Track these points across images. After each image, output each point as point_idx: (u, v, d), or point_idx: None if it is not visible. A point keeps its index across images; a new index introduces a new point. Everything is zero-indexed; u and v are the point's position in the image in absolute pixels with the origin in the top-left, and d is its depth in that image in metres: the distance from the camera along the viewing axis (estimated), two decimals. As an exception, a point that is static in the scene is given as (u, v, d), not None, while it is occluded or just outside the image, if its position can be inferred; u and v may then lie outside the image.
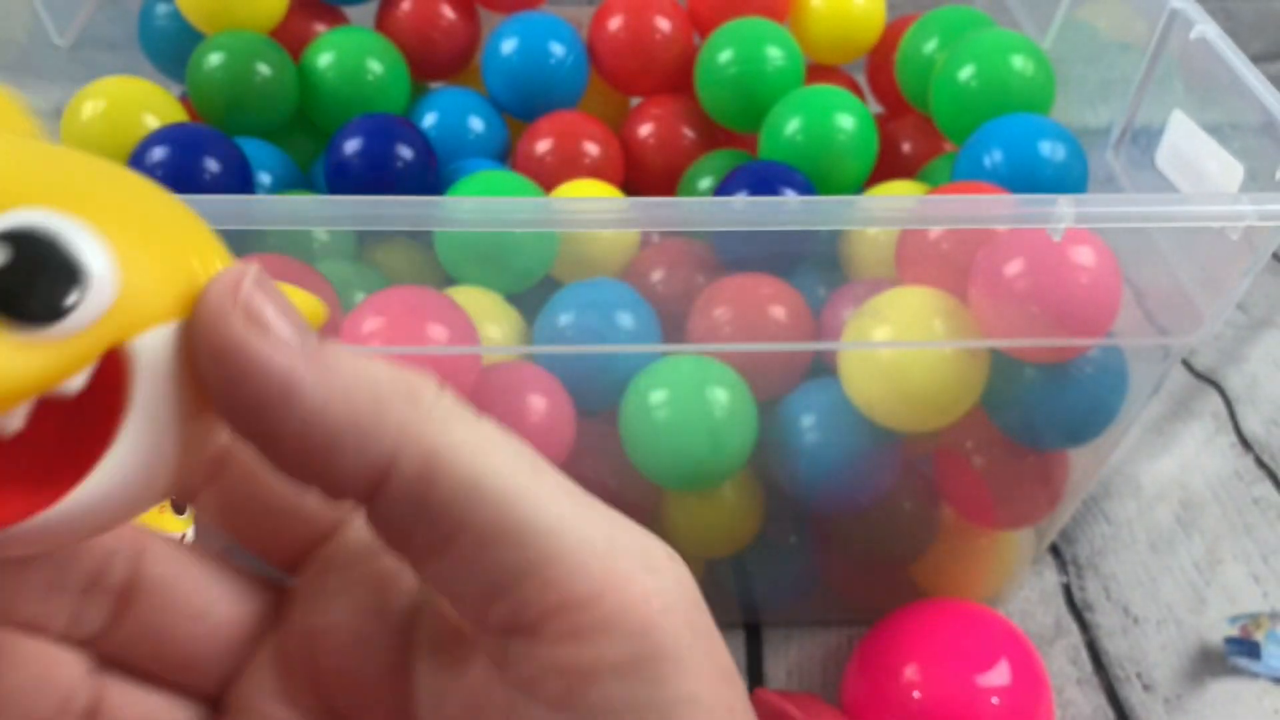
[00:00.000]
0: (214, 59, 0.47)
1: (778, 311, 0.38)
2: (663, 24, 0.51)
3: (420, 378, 0.15)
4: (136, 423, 0.14)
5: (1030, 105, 0.44)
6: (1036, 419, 0.39)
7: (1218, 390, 0.61)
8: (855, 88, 0.55)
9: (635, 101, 0.55)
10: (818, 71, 0.54)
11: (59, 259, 0.13)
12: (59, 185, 0.13)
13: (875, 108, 0.56)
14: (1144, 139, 0.43)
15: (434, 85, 0.55)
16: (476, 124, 0.51)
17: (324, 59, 0.49)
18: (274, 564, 0.18)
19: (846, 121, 0.45)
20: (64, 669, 0.16)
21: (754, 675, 0.48)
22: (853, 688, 0.43)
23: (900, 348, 0.36)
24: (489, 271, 0.40)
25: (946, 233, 0.37)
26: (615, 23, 0.51)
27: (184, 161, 0.42)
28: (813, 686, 0.47)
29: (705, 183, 0.49)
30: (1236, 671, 0.48)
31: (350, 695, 0.17)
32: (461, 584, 0.15)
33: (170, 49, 0.52)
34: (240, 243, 0.33)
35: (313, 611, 0.17)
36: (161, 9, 0.52)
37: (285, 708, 0.17)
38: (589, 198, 0.45)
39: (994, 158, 0.42)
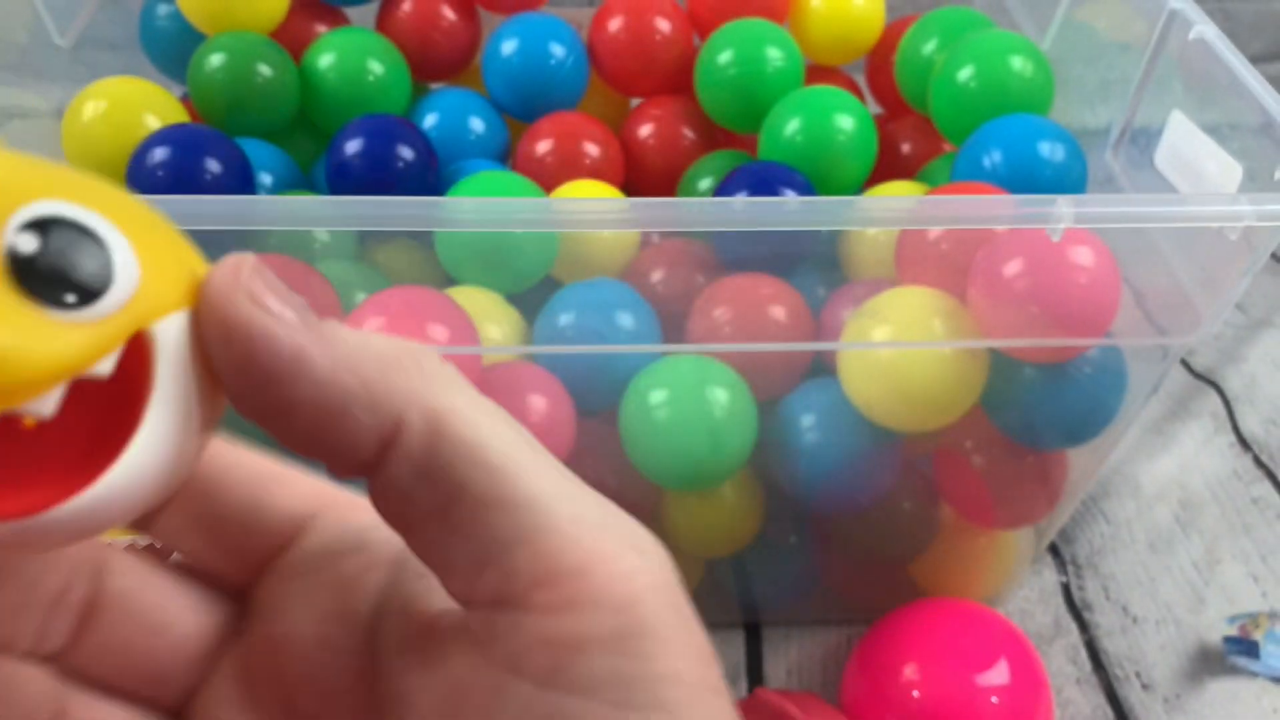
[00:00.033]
0: (215, 60, 0.47)
1: (777, 311, 0.38)
2: (663, 25, 0.51)
3: (422, 347, 0.16)
4: (161, 404, 0.14)
5: (1029, 106, 0.44)
6: (1036, 419, 0.39)
7: (1216, 390, 0.62)
8: (855, 88, 0.55)
9: (635, 102, 0.55)
10: (817, 72, 0.55)
11: (89, 244, 0.14)
12: (69, 183, 0.14)
13: (875, 108, 0.56)
14: (1143, 139, 0.43)
15: (435, 86, 0.56)
16: (477, 125, 0.51)
17: (325, 60, 0.50)
18: (233, 579, 0.18)
19: (846, 122, 0.45)
20: (28, 686, 0.16)
21: (754, 674, 0.48)
22: (852, 687, 0.43)
23: (900, 348, 0.36)
24: (489, 271, 0.40)
25: (946, 233, 0.37)
26: (615, 24, 0.51)
27: (185, 162, 0.42)
28: (812, 686, 0.47)
29: (705, 183, 0.50)
30: (1235, 671, 0.48)
31: (316, 701, 0.17)
32: (455, 551, 0.15)
33: (171, 50, 0.52)
34: (241, 243, 0.33)
35: (275, 619, 0.17)
36: (162, 9, 0.52)
37: (249, 718, 0.17)
38: (589, 198, 0.45)
39: (993, 158, 0.42)
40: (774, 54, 0.48)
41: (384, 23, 0.53)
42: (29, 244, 0.13)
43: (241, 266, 0.15)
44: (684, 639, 0.15)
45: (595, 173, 0.49)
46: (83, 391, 0.14)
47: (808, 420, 0.40)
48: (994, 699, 0.40)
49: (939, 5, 0.51)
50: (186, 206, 0.30)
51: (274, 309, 0.14)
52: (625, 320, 0.37)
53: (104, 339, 0.14)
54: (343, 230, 0.39)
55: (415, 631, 0.17)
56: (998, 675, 0.41)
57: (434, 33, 0.53)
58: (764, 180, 0.44)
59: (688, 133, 0.52)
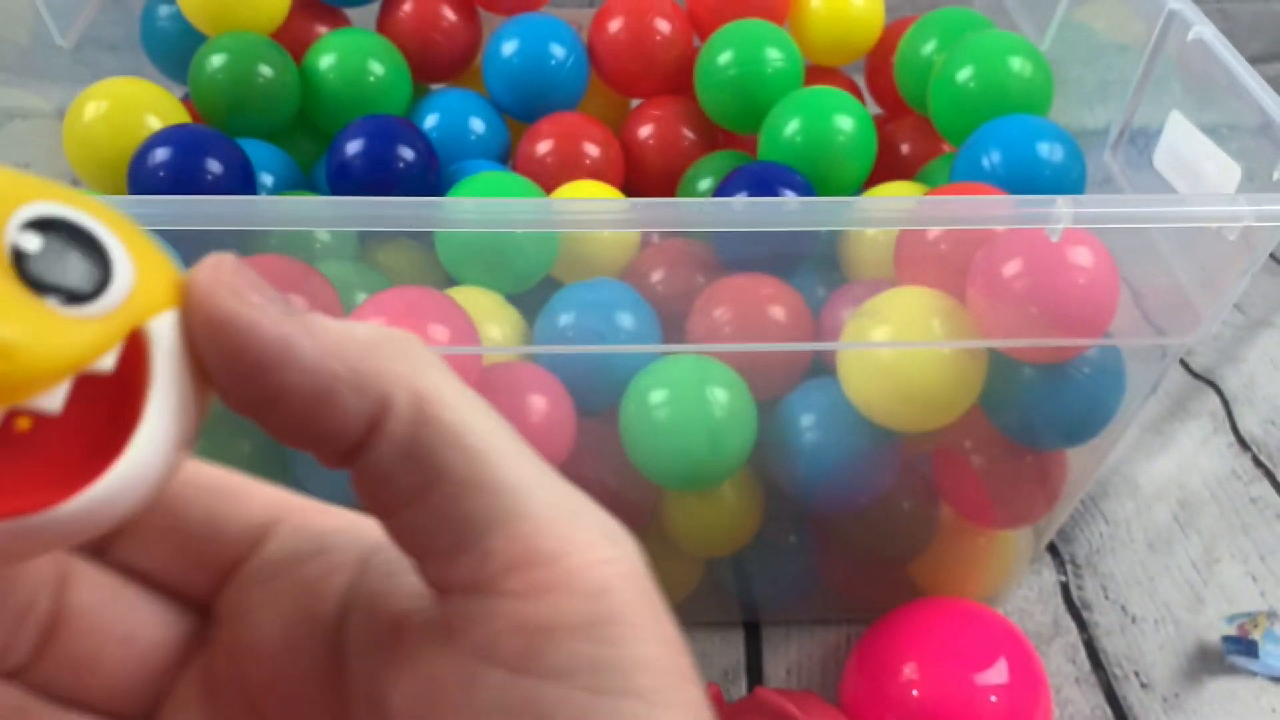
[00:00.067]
0: (216, 60, 0.47)
1: (777, 312, 0.38)
2: (662, 26, 0.51)
3: (406, 334, 0.16)
4: (159, 400, 0.14)
5: (1028, 106, 0.44)
6: (1034, 419, 0.39)
7: (1215, 390, 0.62)
8: (854, 89, 0.55)
9: (635, 103, 0.55)
10: (817, 73, 0.55)
11: (88, 243, 0.14)
12: (54, 190, 0.14)
13: (874, 109, 0.56)
14: (1142, 140, 0.44)
15: (435, 87, 0.56)
16: (477, 125, 0.52)
17: (326, 60, 0.50)
18: (197, 591, 0.18)
19: (845, 123, 0.45)
20: None
21: (753, 673, 0.48)
22: (852, 686, 0.44)
23: (899, 348, 0.36)
24: (490, 272, 0.40)
25: (945, 233, 0.37)
26: (615, 24, 0.51)
27: (186, 163, 0.42)
28: (812, 685, 0.47)
29: (705, 184, 0.50)
30: (1234, 670, 0.48)
31: (282, 706, 0.17)
32: (432, 535, 0.15)
33: (172, 50, 0.52)
34: (243, 243, 0.34)
35: (238, 626, 0.18)
36: (164, 10, 0.52)
37: None
38: (589, 199, 0.45)
39: (992, 159, 0.42)
40: (774, 55, 0.48)
41: (385, 23, 0.53)
42: (32, 242, 0.13)
43: (223, 264, 0.15)
44: (656, 626, 0.15)
45: (595, 173, 0.49)
46: (82, 398, 0.14)
47: (807, 420, 0.40)
48: (993, 698, 0.40)
49: (938, 6, 0.51)
50: (188, 207, 0.30)
51: (257, 303, 0.15)
52: (625, 320, 0.38)
53: (106, 334, 0.14)
54: (343, 230, 0.39)
55: (383, 631, 0.17)
56: (997, 674, 0.41)
57: (434, 33, 0.53)
58: (764, 181, 0.44)
59: (688, 133, 0.52)
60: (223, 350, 0.14)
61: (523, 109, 0.52)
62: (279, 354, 0.14)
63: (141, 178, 0.42)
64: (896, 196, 0.45)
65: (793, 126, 0.45)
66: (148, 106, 0.45)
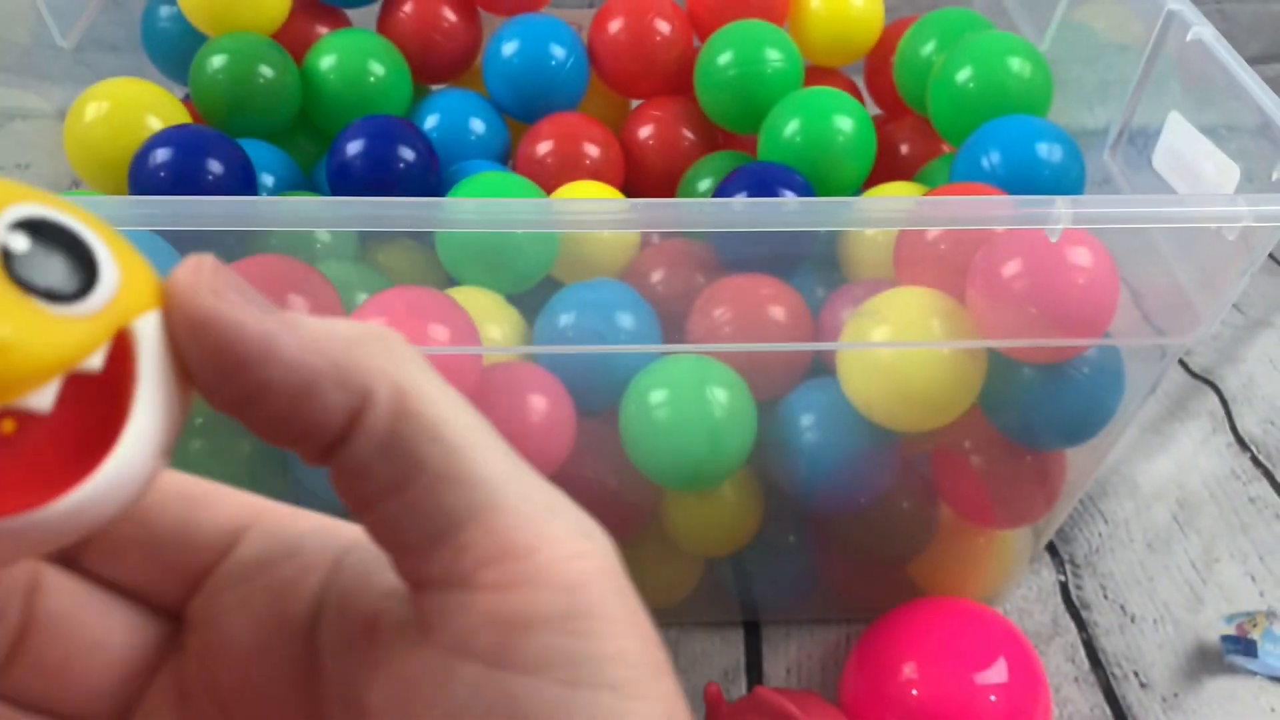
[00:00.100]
0: (217, 61, 0.47)
1: (777, 312, 0.38)
2: (662, 26, 0.51)
3: (387, 330, 0.16)
4: (146, 398, 0.14)
5: (1028, 107, 0.44)
6: (1034, 419, 0.39)
7: (1214, 390, 0.62)
8: (854, 90, 0.55)
9: (635, 103, 0.55)
10: (816, 73, 0.55)
11: (75, 243, 0.14)
12: (36, 194, 0.14)
13: (873, 109, 0.56)
14: (1141, 140, 0.44)
15: (435, 87, 0.56)
16: (478, 126, 0.52)
17: (326, 61, 0.50)
18: (168, 598, 0.18)
19: (845, 123, 0.45)
20: None
21: (753, 673, 0.48)
22: (851, 685, 0.44)
23: (898, 348, 0.36)
24: (490, 272, 0.40)
25: (944, 234, 0.37)
26: (615, 25, 0.51)
27: (187, 163, 0.42)
28: (812, 684, 0.47)
29: (705, 184, 0.50)
30: (1233, 670, 0.48)
31: (253, 709, 0.17)
32: (409, 528, 0.15)
33: (173, 51, 0.52)
34: (243, 244, 0.34)
35: (210, 631, 0.18)
36: (164, 11, 0.52)
37: None
38: (589, 199, 0.45)
39: (992, 159, 0.42)
40: (773, 55, 0.48)
41: (385, 24, 0.53)
42: (20, 242, 0.13)
43: (203, 265, 0.15)
44: (630, 621, 0.15)
45: (595, 174, 0.49)
46: (69, 399, 0.14)
47: (807, 420, 0.40)
48: (992, 698, 0.40)
49: (938, 6, 0.52)
50: (188, 207, 0.30)
51: (238, 301, 0.15)
52: (625, 320, 0.38)
53: (95, 333, 0.14)
54: (344, 231, 0.39)
55: (357, 630, 0.17)
56: (996, 674, 0.41)
57: (435, 34, 0.53)
58: (763, 181, 0.44)
59: (687, 134, 0.52)
60: (206, 348, 0.14)
61: (523, 109, 0.52)
62: (262, 350, 0.14)
63: (142, 178, 0.42)
64: (896, 197, 0.46)
65: (792, 127, 0.45)
66: (148, 107, 0.45)
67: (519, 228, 0.35)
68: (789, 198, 0.43)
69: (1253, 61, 0.38)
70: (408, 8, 0.53)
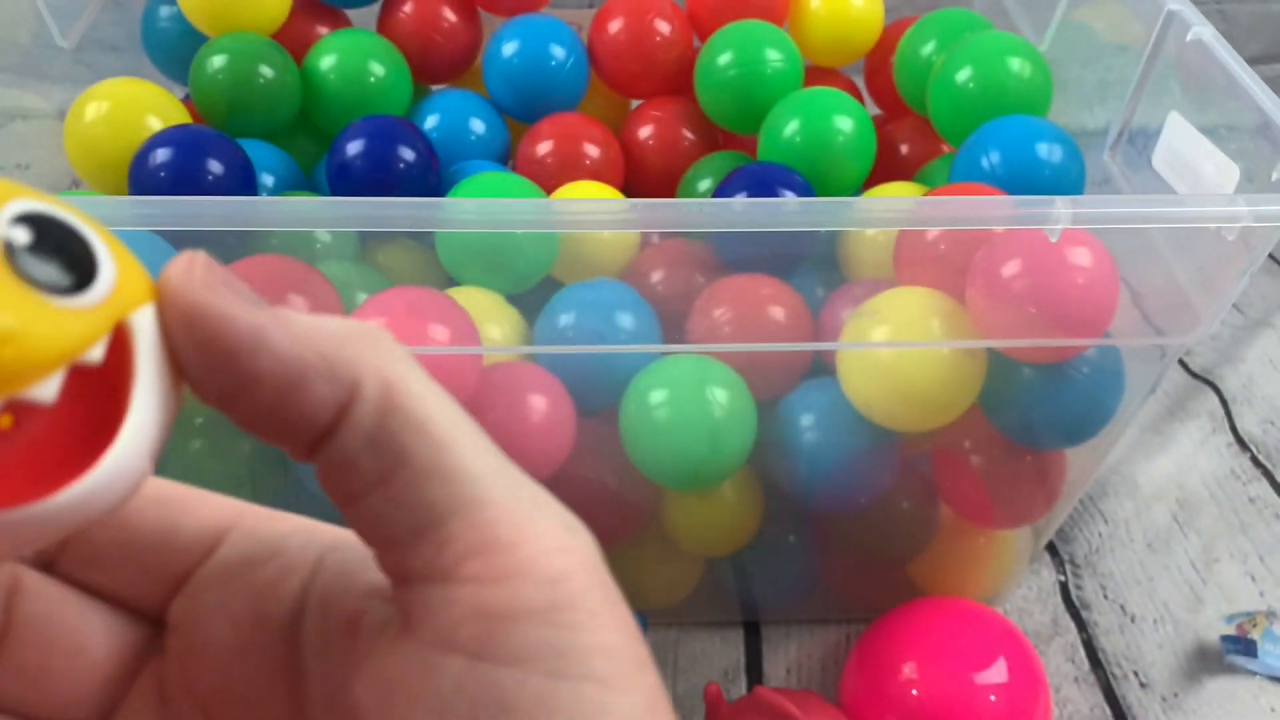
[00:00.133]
0: (217, 61, 0.47)
1: (777, 312, 0.38)
2: (662, 26, 0.51)
3: (376, 327, 0.16)
4: (144, 389, 0.15)
5: (1027, 107, 0.44)
6: (1034, 419, 0.39)
7: (1214, 390, 0.62)
8: (853, 90, 0.55)
9: (635, 103, 0.55)
10: (816, 74, 0.55)
11: (74, 236, 0.14)
12: (31, 192, 0.15)
13: (873, 110, 0.56)
14: (1141, 140, 0.44)
15: (435, 87, 0.56)
16: (478, 126, 0.52)
17: (326, 61, 0.50)
18: (149, 602, 0.18)
19: (845, 123, 0.45)
20: None
21: (753, 673, 0.48)
22: (851, 685, 0.44)
23: (898, 348, 0.36)
24: (490, 272, 0.40)
25: (944, 234, 0.37)
26: (615, 25, 0.51)
27: (187, 163, 0.42)
28: (812, 684, 0.47)
29: (705, 184, 0.50)
30: (1233, 670, 0.48)
31: (237, 711, 0.17)
32: (393, 522, 0.16)
33: (173, 51, 0.52)
34: (243, 244, 0.34)
35: (191, 632, 0.18)
36: (164, 11, 0.52)
37: None
38: (589, 199, 0.45)
39: (991, 159, 0.42)
40: (773, 55, 0.48)
41: (385, 24, 0.53)
42: (22, 235, 0.14)
43: (195, 260, 0.15)
44: (612, 614, 0.16)
45: (595, 174, 0.49)
46: (69, 392, 0.14)
47: (807, 420, 0.40)
48: (992, 697, 0.40)
49: (938, 6, 0.52)
50: (188, 207, 0.30)
51: (230, 296, 0.15)
52: (625, 320, 0.38)
53: (96, 325, 0.14)
54: (344, 231, 0.39)
55: (339, 629, 0.17)
56: (996, 674, 0.41)
57: (435, 34, 0.53)
58: (763, 181, 0.44)
59: (687, 134, 0.52)
60: (198, 340, 0.15)
61: (523, 109, 0.52)
62: (252, 342, 0.15)
63: (142, 178, 0.42)
64: (896, 197, 0.46)
65: (792, 127, 0.45)
66: (148, 107, 0.45)
67: (519, 228, 0.35)
68: (789, 198, 0.43)
69: (1253, 61, 0.38)
70: (408, 8, 0.53)
